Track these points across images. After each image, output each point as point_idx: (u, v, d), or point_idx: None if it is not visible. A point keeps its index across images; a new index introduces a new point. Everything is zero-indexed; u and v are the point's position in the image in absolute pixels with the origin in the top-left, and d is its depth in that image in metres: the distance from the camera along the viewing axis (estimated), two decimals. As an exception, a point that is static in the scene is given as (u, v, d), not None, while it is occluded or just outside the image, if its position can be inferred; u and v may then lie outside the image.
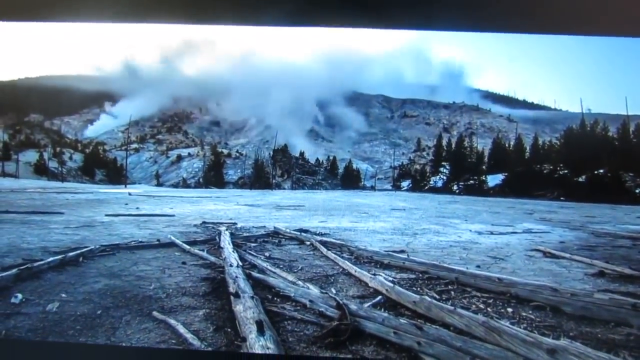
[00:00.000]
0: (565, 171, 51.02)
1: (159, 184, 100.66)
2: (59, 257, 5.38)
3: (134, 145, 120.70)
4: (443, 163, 78.59)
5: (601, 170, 46.20)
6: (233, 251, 6.05)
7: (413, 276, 5.28)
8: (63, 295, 4.02)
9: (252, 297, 3.60)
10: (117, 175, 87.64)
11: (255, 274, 4.89)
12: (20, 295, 3.84)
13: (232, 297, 3.70)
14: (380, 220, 14.08)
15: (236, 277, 4.32)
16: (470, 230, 11.48)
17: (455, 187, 67.85)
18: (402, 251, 7.32)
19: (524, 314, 3.79)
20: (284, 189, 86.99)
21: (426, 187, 77.13)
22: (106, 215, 12.67)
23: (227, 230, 8.43)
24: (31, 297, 3.92)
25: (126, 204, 18.45)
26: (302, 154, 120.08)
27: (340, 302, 3.62)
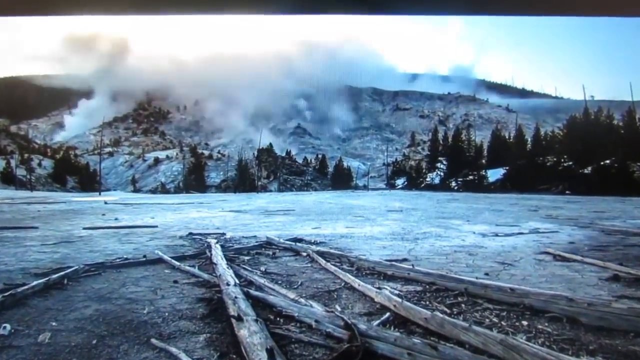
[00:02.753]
0: (570, 163, 51.39)
1: (136, 190, 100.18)
2: (43, 280, 5.40)
3: (108, 149, 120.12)
4: (440, 158, 78.85)
5: (607, 161, 46.55)
6: (228, 267, 6.09)
7: (420, 288, 5.35)
8: (53, 323, 4.04)
9: (256, 320, 3.65)
10: (90, 181, 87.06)
11: (253, 292, 4.94)
12: (8, 326, 3.85)
13: (234, 320, 3.75)
14: (377, 225, 14.16)
15: (235, 297, 4.36)
16: (474, 233, 11.60)
17: (453, 184, 68.11)
18: (404, 260, 7.41)
19: (540, 326, 3.87)
20: (271, 191, 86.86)
21: (422, 185, 77.38)
22: (84, 228, 12.64)
23: (217, 243, 8.45)
24: (19, 327, 3.94)
25: (103, 215, 18.41)
26: (288, 153, 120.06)
27: (349, 321, 3.68)
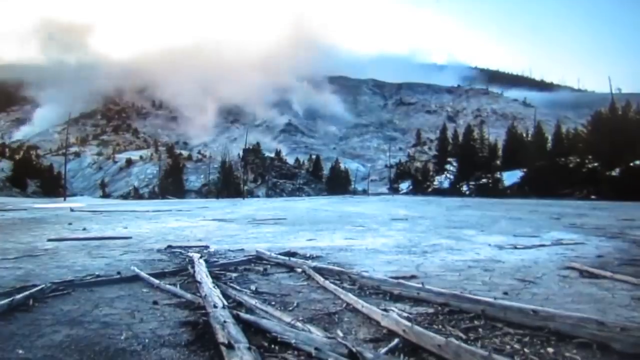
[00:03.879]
0: (595, 164, 51.60)
1: (105, 195, 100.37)
2: (6, 301, 5.37)
3: (74, 149, 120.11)
4: (449, 159, 79.21)
5: (637, 162, 46.69)
6: (214, 286, 6.09)
7: (431, 310, 5.36)
8: (20, 351, 4.03)
9: (249, 348, 3.65)
10: (53, 186, 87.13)
11: (243, 314, 4.94)
12: (-32, 356, 3.86)
13: (223, 349, 3.76)
14: (381, 235, 14.22)
15: (224, 321, 4.35)
16: (490, 245, 11.65)
17: (464, 188, 68.37)
18: (412, 277, 7.43)
19: (567, 354, 3.88)
20: (258, 196, 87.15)
21: (430, 189, 77.70)
22: (49, 240, 12.63)
23: (200, 258, 8.45)
24: (-19, 356, 3.94)
25: (70, 224, 18.47)
26: (278, 153, 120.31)
27: (353, 349, 3.69)
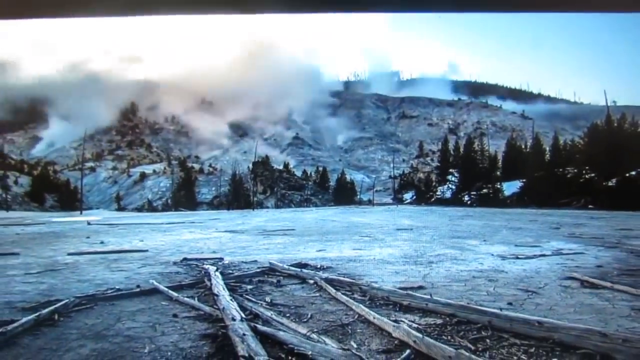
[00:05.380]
0: (592, 174, 51.45)
1: (121, 208, 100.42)
2: (33, 316, 5.43)
3: (90, 164, 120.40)
4: (451, 170, 79.05)
5: (633, 172, 46.54)
6: (231, 299, 6.12)
7: (440, 321, 5.39)
8: (49, 366, 4.09)
9: (268, 362, 3.70)
10: (70, 200, 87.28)
11: (261, 327, 4.98)
12: (1, 370, 3.90)
13: (244, 362, 3.80)
14: (387, 246, 14.24)
15: (243, 334, 4.40)
16: (492, 255, 11.67)
17: (466, 198, 68.20)
18: (420, 287, 7.46)
19: (572, 364, 3.91)
20: (267, 207, 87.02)
21: (432, 199, 77.55)
22: (69, 254, 12.69)
23: (216, 270, 8.49)
24: (14, 371, 3.98)
25: (87, 237, 18.52)
26: (286, 165, 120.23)
27: (368, 361, 3.73)
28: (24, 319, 5.28)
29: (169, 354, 4.40)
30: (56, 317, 5.68)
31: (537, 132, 76.43)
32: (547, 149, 68.03)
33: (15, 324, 5.05)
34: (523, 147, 79.60)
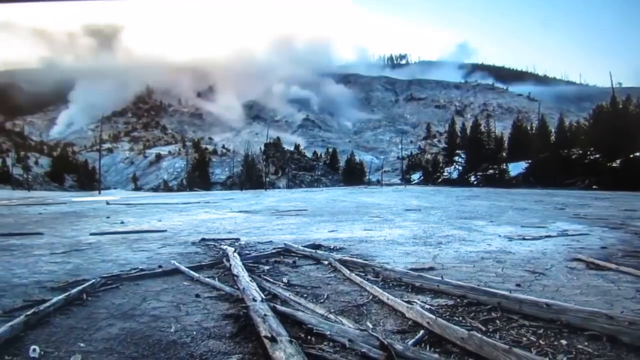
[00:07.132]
0: (597, 155, 51.17)
1: (137, 188, 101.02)
2: (63, 295, 5.53)
3: (107, 145, 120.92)
4: (457, 151, 78.94)
5: (638, 153, 46.23)
6: (250, 280, 6.20)
7: (451, 302, 5.44)
8: (81, 344, 4.16)
9: (290, 342, 3.76)
10: (89, 180, 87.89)
11: (280, 307, 5.05)
12: (37, 349, 3.95)
13: (266, 341, 3.87)
14: (397, 226, 14.28)
15: (265, 315, 4.47)
16: (500, 235, 11.69)
17: (472, 178, 68.10)
18: (430, 268, 7.52)
19: (579, 346, 3.95)
20: (279, 187, 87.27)
21: (440, 180, 77.48)
22: (91, 234, 12.83)
23: (234, 251, 8.58)
24: (48, 349, 4.05)
25: (108, 217, 18.67)
26: (297, 147, 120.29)
27: (384, 341, 3.79)
28: (55, 299, 5.37)
29: (194, 333, 4.49)
30: (85, 296, 5.78)
31: (543, 113, 76.02)
32: (553, 130, 67.71)
33: (47, 304, 5.13)
34: (529, 128, 79.18)
